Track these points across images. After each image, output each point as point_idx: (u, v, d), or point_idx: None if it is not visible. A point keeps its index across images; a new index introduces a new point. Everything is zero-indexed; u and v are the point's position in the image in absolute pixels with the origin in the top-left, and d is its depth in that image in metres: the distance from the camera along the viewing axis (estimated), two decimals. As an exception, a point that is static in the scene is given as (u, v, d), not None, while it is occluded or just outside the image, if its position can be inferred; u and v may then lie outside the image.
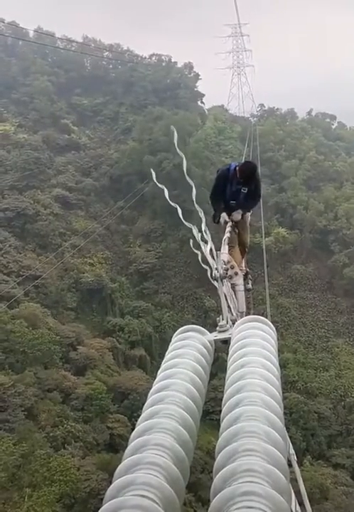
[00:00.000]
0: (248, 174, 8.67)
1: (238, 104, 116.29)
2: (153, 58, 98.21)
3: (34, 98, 77.07)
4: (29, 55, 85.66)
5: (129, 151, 72.58)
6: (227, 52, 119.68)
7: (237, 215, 8.69)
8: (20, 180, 61.83)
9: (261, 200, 9.62)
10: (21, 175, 62.23)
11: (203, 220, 5.40)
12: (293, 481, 3.54)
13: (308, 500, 4.29)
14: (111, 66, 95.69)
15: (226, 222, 8.20)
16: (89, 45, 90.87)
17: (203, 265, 5.88)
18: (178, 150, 5.13)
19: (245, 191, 8.74)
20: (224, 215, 8.38)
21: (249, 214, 9.17)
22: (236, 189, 8.74)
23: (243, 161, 9.38)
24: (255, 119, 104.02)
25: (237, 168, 8.69)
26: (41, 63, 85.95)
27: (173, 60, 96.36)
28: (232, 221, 8.56)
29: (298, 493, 3.89)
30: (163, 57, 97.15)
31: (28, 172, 62.62)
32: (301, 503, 4.20)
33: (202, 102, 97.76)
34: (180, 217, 9.21)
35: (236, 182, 8.72)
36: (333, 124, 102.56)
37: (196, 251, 6.08)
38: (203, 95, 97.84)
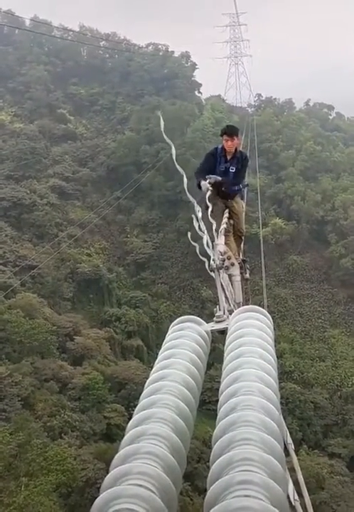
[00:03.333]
0: (231, 131, 8.85)
1: (235, 94, 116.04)
2: (150, 47, 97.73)
3: (30, 87, 76.73)
4: (25, 44, 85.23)
5: (126, 141, 72.42)
6: (224, 42, 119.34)
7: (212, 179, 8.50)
8: (17, 170, 61.67)
9: (258, 192, 9.66)
10: (17, 165, 62.06)
11: (198, 209, 5.39)
12: (291, 470, 3.55)
13: (306, 490, 4.30)
14: (107, 55, 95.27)
15: (207, 189, 8.12)
16: (86, 34, 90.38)
17: (201, 257, 5.86)
18: (165, 137, 5.09)
19: (233, 170, 8.81)
20: (205, 183, 8.24)
21: (243, 203, 9.14)
22: (224, 168, 8.80)
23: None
24: (252, 109, 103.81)
25: (222, 140, 8.81)
26: (37, 52, 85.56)
27: (170, 50, 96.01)
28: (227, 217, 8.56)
29: (296, 483, 3.90)
30: (160, 46, 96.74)
31: (24, 162, 62.43)
32: (299, 493, 4.22)
33: (199, 92, 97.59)
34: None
35: (224, 160, 8.82)
36: (330, 115, 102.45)
37: (194, 243, 6.05)
38: (200, 85, 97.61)
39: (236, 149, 8.84)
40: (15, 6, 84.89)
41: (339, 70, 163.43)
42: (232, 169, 8.83)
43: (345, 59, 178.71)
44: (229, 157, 8.79)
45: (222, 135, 8.81)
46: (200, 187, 8.50)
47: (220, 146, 8.88)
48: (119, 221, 65.83)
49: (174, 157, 5.35)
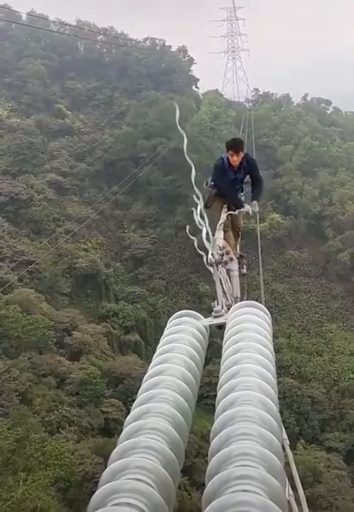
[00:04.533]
0: (237, 145, 8.86)
1: (233, 88, 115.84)
2: (147, 42, 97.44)
3: (27, 82, 76.40)
4: (22, 39, 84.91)
5: (124, 135, 72.24)
6: (222, 36, 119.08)
7: (254, 207, 8.86)
8: (14, 165, 61.45)
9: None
10: (14, 159, 61.84)
11: (199, 202, 5.38)
12: (286, 465, 3.56)
13: (300, 484, 4.32)
14: (105, 50, 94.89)
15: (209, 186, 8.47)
16: (83, 28, 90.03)
17: (199, 251, 5.84)
18: (179, 128, 5.07)
19: (241, 178, 8.88)
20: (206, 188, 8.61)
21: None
22: (233, 178, 8.85)
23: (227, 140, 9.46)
24: (250, 103, 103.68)
25: (227, 154, 8.78)
26: (34, 47, 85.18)
27: (167, 44, 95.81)
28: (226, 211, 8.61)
29: (290, 478, 3.92)
30: (157, 40, 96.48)
31: (21, 157, 62.20)
32: (294, 487, 4.24)
33: (196, 87, 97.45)
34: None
35: (233, 172, 8.93)
36: (328, 109, 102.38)
37: (192, 237, 6.04)
38: (198, 80, 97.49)
39: (241, 160, 8.91)
40: (11, 0, 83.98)
41: (337, 63, 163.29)
42: (240, 177, 9.04)
43: (343, 52, 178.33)
44: (235, 168, 8.92)
45: (227, 149, 8.84)
46: (206, 205, 8.69)
47: (225, 157, 8.92)
48: (116, 216, 65.73)
49: (185, 148, 5.34)
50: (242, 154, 8.84)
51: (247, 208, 8.85)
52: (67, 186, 63.81)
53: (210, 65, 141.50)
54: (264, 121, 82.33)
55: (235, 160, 8.75)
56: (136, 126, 73.28)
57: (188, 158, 5.26)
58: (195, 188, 5.35)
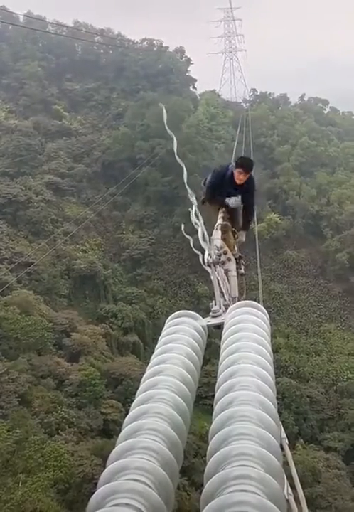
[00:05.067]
0: (248, 165, 8.67)
1: (230, 89, 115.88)
2: (145, 43, 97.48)
3: (25, 83, 76.39)
4: (19, 40, 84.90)
5: (121, 136, 72.26)
6: (219, 37, 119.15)
7: (234, 202, 8.64)
8: (12, 167, 61.45)
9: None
10: (12, 161, 61.84)
11: (194, 203, 5.38)
12: (285, 464, 3.57)
13: (299, 484, 4.33)
14: (102, 51, 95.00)
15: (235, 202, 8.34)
16: (80, 29, 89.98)
17: (195, 250, 5.85)
18: (168, 129, 5.06)
19: (238, 197, 8.75)
20: (237, 200, 8.54)
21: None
22: (229, 191, 8.73)
23: (239, 157, 9.36)
24: (247, 104, 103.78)
25: (235, 169, 8.64)
26: (31, 48, 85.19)
27: (164, 45, 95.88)
28: (227, 207, 8.58)
29: (289, 477, 3.93)
30: (154, 41, 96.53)
31: (19, 158, 62.22)
32: (293, 487, 4.24)
33: (194, 87, 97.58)
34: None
35: (233, 187, 8.70)
36: (325, 109, 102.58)
37: (188, 237, 6.04)
38: (195, 80, 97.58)
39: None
40: (8, 1, 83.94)
41: (334, 63, 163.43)
42: (238, 195, 8.77)
43: (340, 52, 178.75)
44: (236, 185, 8.70)
45: (236, 166, 8.60)
46: (203, 202, 8.71)
47: (231, 170, 8.71)
48: (114, 217, 65.73)
49: (175, 149, 5.34)
50: (248, 175, 8.75)
51: (240, 235, 8.82)
52: (65, 187, 63.80)
53: (208, 66, 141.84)
54: (262, 121, 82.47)
55: (241, 179, 8.55)
56: (133, 127, 73.31)
57: (178, 160, 5.27)
58: (187, 188, 5.36)
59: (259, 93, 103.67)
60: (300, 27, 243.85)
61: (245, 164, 8.68)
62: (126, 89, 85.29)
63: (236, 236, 8.85)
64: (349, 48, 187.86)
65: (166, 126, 4.95)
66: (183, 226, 6.34)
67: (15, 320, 38.81)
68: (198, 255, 6.02)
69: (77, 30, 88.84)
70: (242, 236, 8.90)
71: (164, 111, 5.35)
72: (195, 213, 5.48)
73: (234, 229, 9.00)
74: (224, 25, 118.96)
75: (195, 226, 5.45)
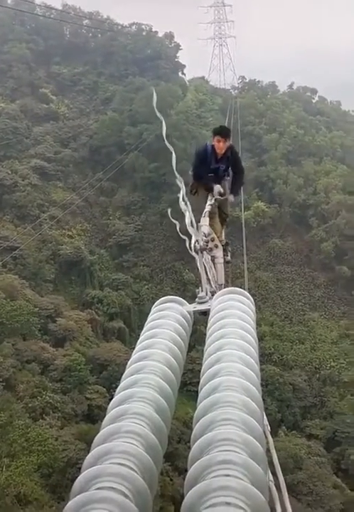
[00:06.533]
0: (224, 132, 8.76)
1: (219, 75, 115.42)
2: (134, 27, 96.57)
3: (12, 66, 75.43)
4: (7, 22, 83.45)
5: (109, 121, 71.73)
6: (208, 23, 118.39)
7: (219, 188, 8.62)
8: (-2, 150, 60.87)
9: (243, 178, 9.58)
10: (-2, 144, 61.23)
11: (183, 189, 5.35)
12: (267, 451, 3.60)
13: (280, 471, 4.37)
14: (90, 35, 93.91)
15: (219, 193, 8.29)
16: (69, 12, 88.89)
17: (181, 235, 5.84)
18: (157, 112, 5.02)
19: (223, 168, 8.77)
20: (218, 187, 8.43)
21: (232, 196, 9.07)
22: (215, 167, 8.73)
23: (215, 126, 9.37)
24: (236, 91, 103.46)
25: (213, 138, 8.68)
26: (19, 31, 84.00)
27: (153, 30, 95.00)
28: (217, 194, 8.56)
29: (271, 464, 3.97)
30: (143, 26, 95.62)
31: (5, 142, 61.62)
32: (274, 473, 4.28)
33: (183, 73, 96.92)
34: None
35: (214, 160, 8.73)
36: (313, 99, 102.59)
37: (174, 221, 6.03)
38: (184, 66, 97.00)
39: (226, 149, 8.79)
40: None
41: (323, 53, 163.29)
42: (222, 167, 8.80)
43: (329, 42, 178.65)
44: (219, 156, 8.72)
45: (214, 135, 8.69)
46: (191, 191, 8.69)
47: (210, 145, 8.76)
48: (101, 203, 65.43)
49: (164, 134, 5.29)
50: (228, 143, 8.73)
51: (229, 197, 8.82)
52: (51, 172, 63.33)
53: (197, 52, 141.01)
54: (250, 109, 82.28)
55: (221, 147, 8.59)
56: (121, 113, 72.82)
57: (167, 144, 5.24)
58: (176, 173, 5.33)
59: (247, 80, 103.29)
60: (290, 16, 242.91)
61: (221, 131, 8.78)
62: (114, 74, 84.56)
63: (225, 224, 8.88)
64: (339, 38, 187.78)
65: (156, 110, 4.91)
66: (169, 210, 6.34)
67: (0, 304, 38.59)
68: (185, 241, 6.01)
69: (66, 13, 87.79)
70: (231, 197, 8.94)
71: (154, 94, 5.32)
72: (183, 199, 5.46)
73: (225, 214, 9.01)
74: (214, 11, 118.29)
75: (183, 212, 5.43)
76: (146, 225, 63.25)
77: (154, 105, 5.03)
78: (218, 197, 8.41)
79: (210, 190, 8.55)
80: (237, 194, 9.17)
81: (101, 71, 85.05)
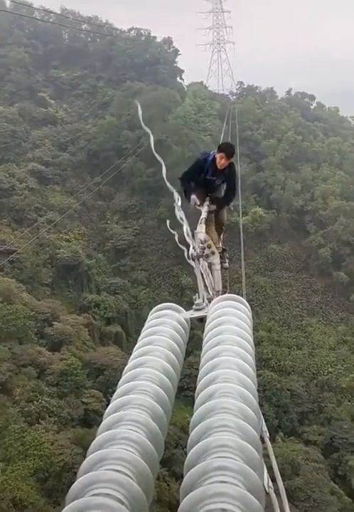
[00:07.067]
0: (230, 151, 8.73)
1: (217, 81, 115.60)
2: (132, 32, 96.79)
3: (10, 70, 75.52)
4: (5, 26, 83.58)
5: (107, 126, 71.83)
6: (207, 28, 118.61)
7: (211, 207, 8.65)
8: (-4, 153, 60.87)
9: (239, 180, 9.62)
10: (-4, 148, 61.24)
11: (178, 198, 5.37)
12: (266, 457, 3.60)
13: (280, 476, 4.37)
14: (89, 39, 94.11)
15: (196, 204, 8.23)
16: (68, 16, 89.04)
17: (180, 245, 5.87)
18: (143, 125, 5.07)
19: (219, 183, 8.83)
20: (194, 198, 8.39)
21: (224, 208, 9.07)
22: (210, 179, 8.78)
23: (222, 142, 9.37)
24: (234, 96, 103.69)
25: (217, 153, 8.69)
26: (18, 34, 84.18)
27: (152, 35, 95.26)
28: (208, 205, 8.57)
29: (270, 469, 3.96)
30: (142, 31, 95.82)
31: (3, 145, 61.65)
32: (274, 479, 4.28)
33: (181, 78, 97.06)
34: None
35: (211, 173, 8.76)
36: (311, 104, 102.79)
37: (173, 232, 6.06)
38: (182, 71, 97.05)
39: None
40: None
41: (321, 59, 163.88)
42: (218, 182, 8.86)
43: (327, 48, 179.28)
44: (217, 171, 8.74)
45: (219, 151, 8.66)
46: (185, 193, 8.62)
47: (211, 156, 8.76)
48: (98, 207, 65.42)
49: (152, 146, 5.32)
50: (231, 160, 8.83)
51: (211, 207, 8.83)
52: (49, 176, 63.33)
53: (195, 57, 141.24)
54: (248, 115, 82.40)
55: (222, 163, 8.60)
56: (119, 117, 72.87)
57: (156, 155, 5.28)
58: (167, 183, 5.36)
59: (246, 86, 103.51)
60: (289, 22, 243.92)
61: (227, 149, 8.78)
62: (113, 79, 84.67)
63: (222, 231, 8.90)
64: (337, 44, 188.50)
65: (142, 123, 4.94)
66: (168, 222, 6.36)
67: (-4, 308, 38.56)
68: (182, 248, 6.03)
69: (65, 18, 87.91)
70: (213, 207, 8.87)
71: (139, 108, 5.36)
72: (179, 209, 5.49)
73: (222, 222, 9.04)
74: (213, 17, 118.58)
75: (180, 221, 5.45)
76: (144, 230, 63.26)
77: (140, 118, 5.07)
78: (198, 207, 8.41)
79: (200, 197, 8.57)
80: (221, 208, 9.18)
81: (99, 75, 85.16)
